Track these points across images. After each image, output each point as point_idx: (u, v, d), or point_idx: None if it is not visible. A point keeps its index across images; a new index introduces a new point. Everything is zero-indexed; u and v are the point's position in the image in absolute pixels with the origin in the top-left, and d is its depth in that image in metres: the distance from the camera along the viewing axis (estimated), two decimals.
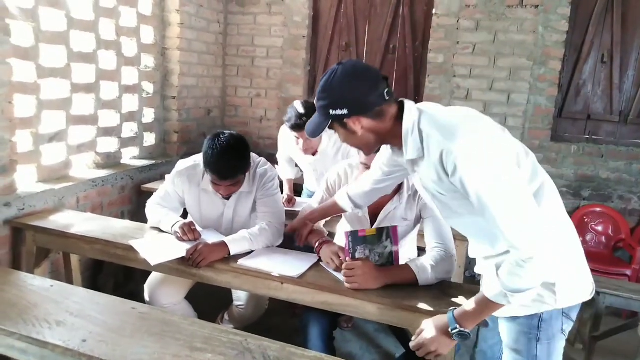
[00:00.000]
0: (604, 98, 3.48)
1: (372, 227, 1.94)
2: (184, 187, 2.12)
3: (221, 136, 1.89)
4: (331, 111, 1.25)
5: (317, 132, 1.32)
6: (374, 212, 1.95)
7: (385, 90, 1.24)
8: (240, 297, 2.19)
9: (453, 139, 1.16)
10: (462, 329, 1.29)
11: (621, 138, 3.48)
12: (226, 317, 2.32)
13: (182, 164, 2.14)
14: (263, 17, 3.90)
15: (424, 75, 3.63)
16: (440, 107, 1.30)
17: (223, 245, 1.85)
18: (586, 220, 3.45)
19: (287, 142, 2.80)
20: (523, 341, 1.32)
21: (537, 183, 1.26)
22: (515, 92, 3.46)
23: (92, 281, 2.70)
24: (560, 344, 1.34)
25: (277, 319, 2.20)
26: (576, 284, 1.32)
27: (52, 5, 2.40)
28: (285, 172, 2.98)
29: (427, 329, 1.35)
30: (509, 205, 1.13)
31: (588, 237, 3.44)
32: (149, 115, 3.30)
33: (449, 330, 1.30)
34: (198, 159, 2.14)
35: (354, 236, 1.72)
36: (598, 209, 3.44)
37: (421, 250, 2.23)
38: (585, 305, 2.60)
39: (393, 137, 1.29)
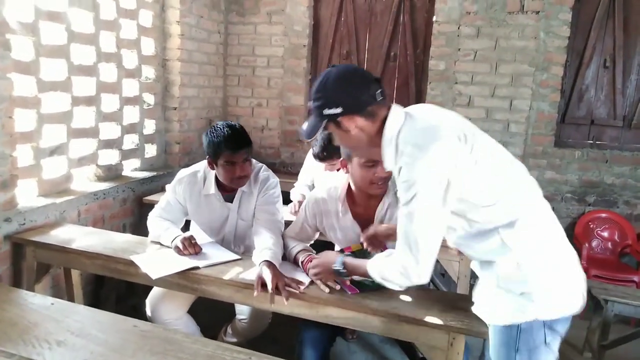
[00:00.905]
0: (607, 103, 3.46)
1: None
2: (185, 195, 2.11)
3: (216, 123, 1.99)
4: (325, 110, 1.29)
5: (312, 134, 1.35)
6: (367, 219, 1.89)
7: (378, 91, 1.29)
8: (242, 311, 2.16)
9: (417, 158, 1.22)
10: (340, 268, 1.61)
11: (625, 143, 3.46)
12: (229, 330, 2.29)
13: (182, 173, 2.15)
14: (263, 27, 3.90)
15: (426, 83, 3.62)
16: (427, 114, 1.34)
17: (272, 265, 1.74)
18: (592, 226, 3.42)
19: (313, 164, 2.94)
20: (503, 351, 1.32)
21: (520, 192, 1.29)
22: (517, 98, 3.44)
23: (94, 295, 2.68)
24: (544, 357, 1.29)
25: (282, 329, 2.17)
26: (561, 295, 1.27)
27: (52, 19, 2.40)
28: (300, 192, 2.96)
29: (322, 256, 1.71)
30: (422, 220, 1.24)
31: (594, 243, 3.41)
32: (150, 127, 3.30)
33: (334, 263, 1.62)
34: (198, 166, 2.14)
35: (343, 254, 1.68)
36: (603, 215, 3.40)
37: None
38: (594, 314, 2.61)
39: (379, 141, 1.32)
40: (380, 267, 1.41)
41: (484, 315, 1.37)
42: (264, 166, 2.18)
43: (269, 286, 1.64)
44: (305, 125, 1.38)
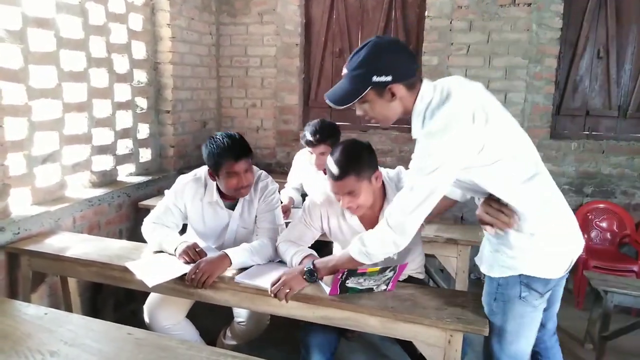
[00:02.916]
0: (601, 93, 3.45)
1: None
2: (185, 201, 2.09)
3: (215, 134, 1.99)
4: (375, 78, 1.35)
5: (348, 101, 1.40)
6: (372, 222, 1.88)
7: (418, 65, 1.35)
8: (240, 314, 2.15)
9: (439, 135, 1.33)
10: (311, 269, 1.66)
11: (621, 133, 3.45)
12: (228, 333, 2.29)
13: (182, 179, 2.13)
14: (255, 27, 3.89)
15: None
16: (453, 88, 1.38)
17: (224, 256, 1.81)
18: (590, 217, 3.41)
19: (302, 167, 2.90)
20: (486, 299, 1.53)
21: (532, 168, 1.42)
22: (512, 91, 3.43)
23: (92, 302, 2.67)
24: (520, 309, 1.44)
25: (281, 331, 2.17)
26: (541, 258, 1.41)
27: (40, 25, 2.39)
28: (288, 194, 2.94)
29: (287, 273, 1.69)
30: (421, 183, 1.36)
31: (593, 234, 3.40)
32: (143, 131, 3.28)
33: (304, 269, 1.67)
34: (199, 172, 2.13)
35: (350, 272, 1.62)
36: (601, 205, 3.40)
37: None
38: (594, 305, 2.60)
39: (409, 112, 1.44)
40: (364, 239, 1.53)
41: (481, 266, 1.54)
42: (264, 172, 2.17)
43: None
44: (335, 92, 1.43)
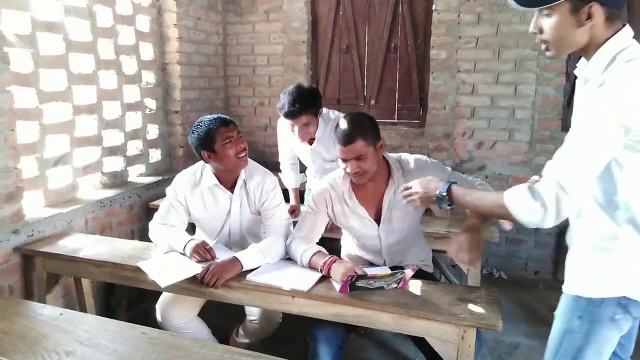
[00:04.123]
0: None
1: (378, 225, 1.92)
2: (185, 193, 2.11)
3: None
4: None
5: (537, 3, 1.16)
6: (376, 206, 1.91)
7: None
8: (252, 312, 2.16)
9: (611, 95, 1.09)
10: (445, 195, 1.38)
11: None
12: (241, 332, 2.29)
13: (179, 175, 2.17)
14: (261, 25, 3.88)
15: (428, 73, 3.58)
16: None
17: (235, 261, 1.83)
18: None
19: (285, 133, 2.70)
20: (566, 314, 1.28)
21: None
22: (522, 83, 3.38)
23: (105, 302, 2.70)
24: (607, 332, 1.22)
25: (294, 328, 2.17)
26: None
27: (50, 29, 2.41)
28: (289, 178, 2.93)
29: (420, 183, 1.48)
30: (582, 140, 1.11)
31: None
32: (153, 132, 3.30)
33: (437, 192, 1.40)
34: (195, 167, 2.16)
35: (360, 276, 1.63)
36: None
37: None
38: None
39: (590, 48, 1.18)
40: (524, 187, 1.17)
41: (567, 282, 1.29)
42: (254, 163, 2.18)
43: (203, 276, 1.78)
44: None
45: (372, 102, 3.82)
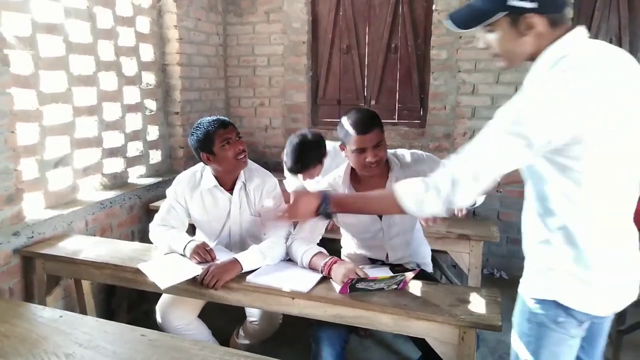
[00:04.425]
0: None
1: (380, 218, 1.93)
2: (185, 194, 2.11)
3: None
4: (514, 1, 1.09)
5: (473, 24, 1.16)
6: None
7: (567, 1, 1.17)
8: (253, 313, 2.16)
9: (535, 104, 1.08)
10: (327, 210, 1.45)
11: None
12: (242, 333, 2.29)
13: (179, 176, 2.17)
14: (262, 26, 3.88)
15: (428, 73, 3.57)
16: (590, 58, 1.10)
17: (235, 262, 1.82)
18: None
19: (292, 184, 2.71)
20: (518, 316, 1.28)
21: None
22: (522, 83, 3.37)
23: (106, 304, 2.70)
24: (551, 334, 1.20)
25: (295, 329, 2.17)
26: (589, 290, 1.15)
27: (50, 31, 2.41)
28: (292, 183, 2.92)
29: (300, 199, 1.49)
30: (488, 143, 1.13)
31: None
32: (153, 133, 3.30)
33: (319, 205, 1.45)
34: (194, 168, 2.17)
35: (361, 278, 1.62)
36: None
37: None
38: None
39: (539, 55, 1.15)
40: (415, 181, 1.23)
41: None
42: (256, 165, 2.19)
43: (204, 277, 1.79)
44: (461, 12, 1.20)
45: (373, 102, 3.82)
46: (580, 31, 1.13)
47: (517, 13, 1.11)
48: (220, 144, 1.96)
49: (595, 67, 1.07)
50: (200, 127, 1.99)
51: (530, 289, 1.23)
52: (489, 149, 1.13)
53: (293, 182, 2.90)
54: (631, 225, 1.20)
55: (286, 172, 2.61)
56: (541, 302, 1.20)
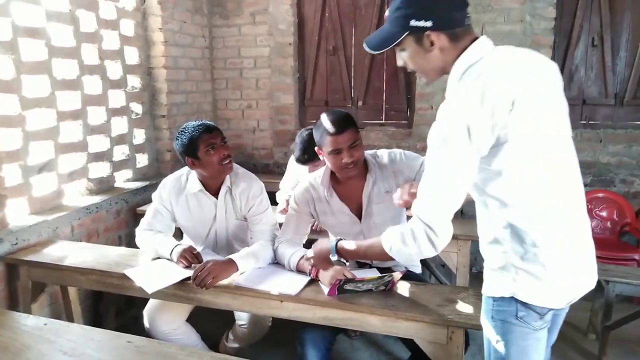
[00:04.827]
0: (597, 82, 3.44)
1: (360, 220, 1.92)
2: (170, 198, 2.10)
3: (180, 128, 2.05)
4: (413, 22, 1.18)
5: (385, 46, 1.24)
6: (356, 201, 1.91)
7: (468, 15, 1.21)
8: (242, 317, 2.15)
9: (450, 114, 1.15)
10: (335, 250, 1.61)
11: (618, 121, 3.44)
12: (231, 336, 2.28)
13: (165, 179, 2.16)
14: (248, 28, 3.87)
15: (414, 74, 3.58)
16: (504, 57, 1.19)
17: (231, 262, 1.82)
18: (590, 206, 3.39)
19: (297, 171, 2.81)
20: (484, 316, 1.31)
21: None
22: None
23: (93, 310, 2.67)
24: (516, 329, 1.22)
25: (284, 332, 2.16)
26: (543, 284, 1.18)
27: (32, 35, 2.38)
28: (285, 199, 2.92)
29: (314, 249, 1.69)
30: (434, 171, 1.17)
31: (593, 224, 3.39)
32: (139, 137, 3.27)
33: (330, 256, 1.64)
34: (180, 172, 2.16)
35: (348, 280, 1.64)
36: (601, 195, 3.39)
37: None
38: (595, 294, 2.59)
39: (449, 68, 1.22)
40: (397, 233, 1.28)
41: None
42: (243, 169, 2.17)
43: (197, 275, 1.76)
44: (374, 36, 1.28)
45: (360, 103, 3.83)
46: (484, 41, 1.20)
47: (418, 32, 1.19)
48: (204, 149, 1.94)
49: (503, 70, 1.13)
50: (185, 132, 1.98)
51: (489, 288, 1.27)
52: (439, 180, 1.17)
53: (285, 196, 2.91)
54: (582, 217, 1.24)
55: (291, 162, 2.80)
56: (500, 299, 1.23)
